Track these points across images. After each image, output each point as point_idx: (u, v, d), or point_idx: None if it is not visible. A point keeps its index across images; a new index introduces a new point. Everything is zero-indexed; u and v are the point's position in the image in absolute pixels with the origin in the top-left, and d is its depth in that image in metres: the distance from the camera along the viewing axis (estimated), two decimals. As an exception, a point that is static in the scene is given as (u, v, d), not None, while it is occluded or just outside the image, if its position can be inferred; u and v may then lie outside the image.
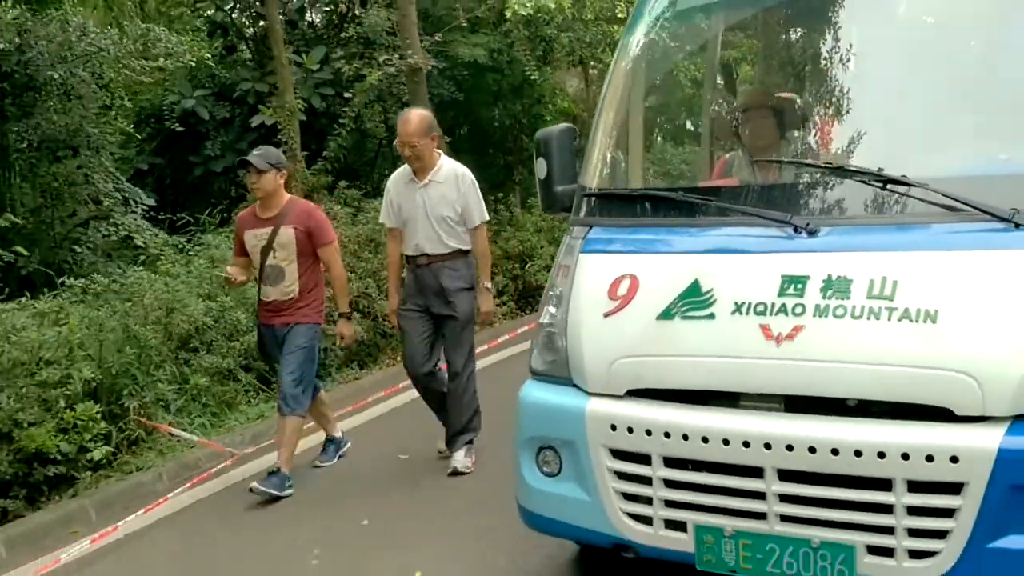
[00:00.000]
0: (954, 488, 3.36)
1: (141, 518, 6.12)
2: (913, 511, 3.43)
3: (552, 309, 4.35)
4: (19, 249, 9.45)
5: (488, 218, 6.79)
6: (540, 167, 4.69)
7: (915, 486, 3.41)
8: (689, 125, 4.95)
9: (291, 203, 6.69)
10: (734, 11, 4.63)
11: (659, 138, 4.77)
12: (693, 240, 4.12)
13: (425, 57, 13.43)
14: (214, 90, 15.13)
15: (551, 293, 4.41)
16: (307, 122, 13.36)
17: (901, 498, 3.42)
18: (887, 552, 3.47)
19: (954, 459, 3.34)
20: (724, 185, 4.46)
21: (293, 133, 12.52)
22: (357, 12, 15.92)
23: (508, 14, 13.82)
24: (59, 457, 6.69)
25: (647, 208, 4.41)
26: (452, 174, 6.47)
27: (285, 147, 11.90)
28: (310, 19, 17.09)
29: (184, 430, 7.56)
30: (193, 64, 13.22)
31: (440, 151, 6.63)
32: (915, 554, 3.44)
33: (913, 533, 3.44)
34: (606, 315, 4.08)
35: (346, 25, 16.24)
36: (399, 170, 6.75)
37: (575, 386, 4.14)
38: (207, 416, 8.14)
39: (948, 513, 3.38)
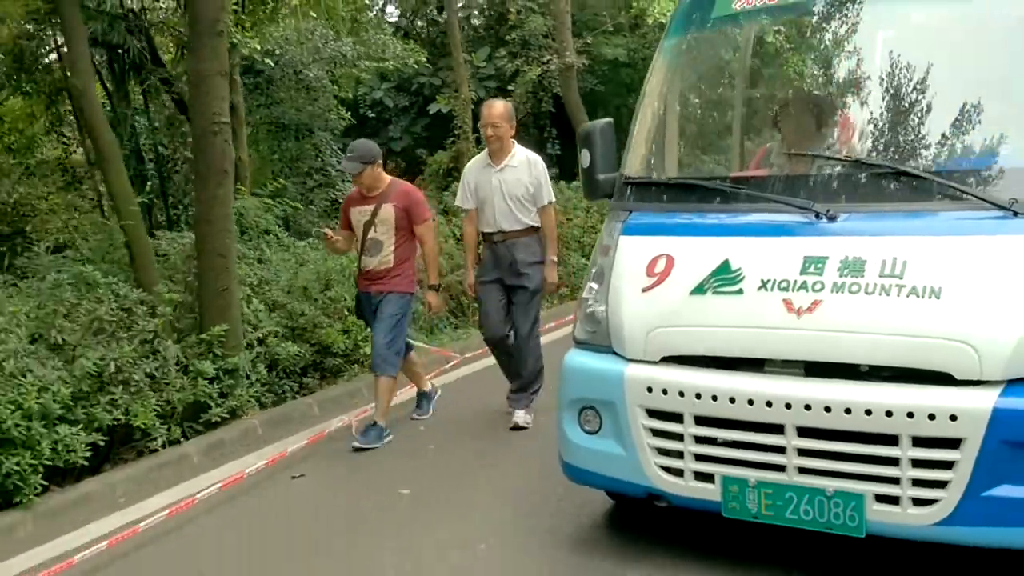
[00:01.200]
0: (953, 443, 3.80)
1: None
2: (917, 463, 3.86)
3: (594, 284, 4.80)
4: (296, 204, 12.54)
5: (555, 199, 7.44)
6: (584, 157, 5.10)
7: (919, 441, 3.84)
8: (723, 120, 5.34)
9: (392, 184, 7.35)
10: (767, 18, 5.05)
11: (695, 131, 5.18)
12: (724, 224, 4.57)
13: (576, 56, 16.93)
14: (396, 83, 19.32)
15: (593, 270, 4.86)
16: (474, 110, 15.43)
17: (906, 452, 3.86)
18: (893, 500, 3.91)
19: (953, 417, 3.78)
20: (753, 175, 4.88)
21: (466, 119, 15.34)
22: (515, 17, 19.29)
23: (649, 20, 16.52)
24: (340, 351, 9.02)
25: (682, 195, 4.84)
26: (525, 159, 7.13)
27: (459, 130, 15.51)
28: (473, 23, 21.22)
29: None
30: (414, 66, 17.13)
31: (514, 139, 7.27)
32: (918, 502, 3.87)
33: (916, 483, 3.87)
34: (644, 290, 4.52)
35: (503, 28, 19.73)
36: (475, 158, 7.54)
37: (615, 353, 4.58)
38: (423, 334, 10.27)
39: (948, 465, 3.81)
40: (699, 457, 4.28)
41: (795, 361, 4.13)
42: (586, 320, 4.79)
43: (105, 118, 9.20)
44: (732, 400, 4.15)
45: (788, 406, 4.03)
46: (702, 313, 4.34)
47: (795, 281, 4.15)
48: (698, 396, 4.23)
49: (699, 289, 4.37)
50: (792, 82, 5.07)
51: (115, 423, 6.61)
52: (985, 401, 3.77)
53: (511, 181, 7.07)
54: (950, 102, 4.39)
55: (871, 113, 4.60)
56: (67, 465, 6.14)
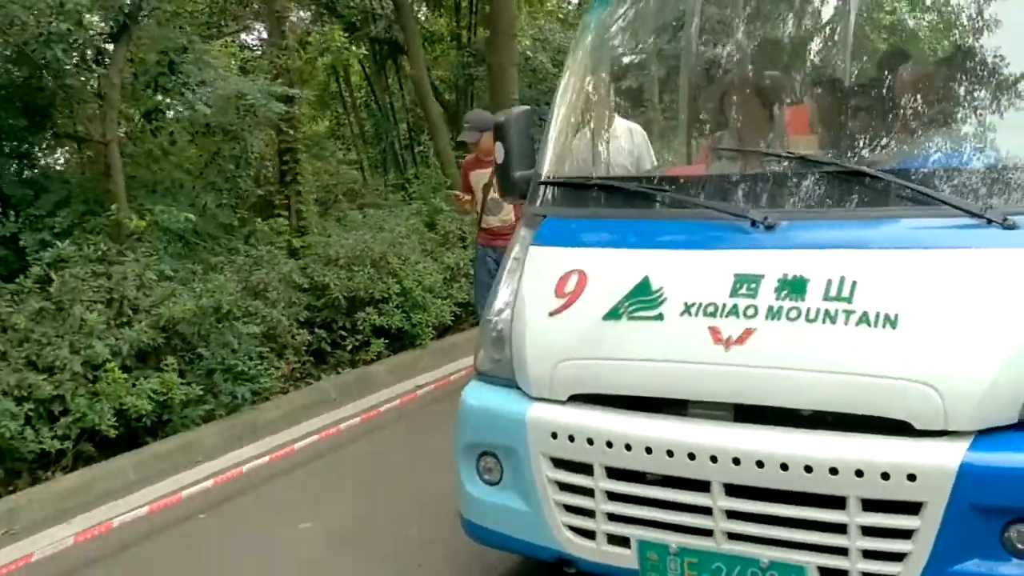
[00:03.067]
0: (912, 508, 3.11)
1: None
2: (868, 531, 3.18)
3: (499, 304, 4.11)
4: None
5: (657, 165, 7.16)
6: (498, 151, 4.45)
7: (870, 505, 3.16)
8: (660, 108, 4.66)
9: None
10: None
11: (613, 121, 4.52)
12: (645, 234, 3.88)
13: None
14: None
15: (499, 287, 4.16)
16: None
17: (855, 517, 3.17)
18: (840, 574, 3.23)
19: (912, 477, 3.08)
20: (683, 175, 4.19)
21: None
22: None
23: None
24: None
25: (599, 198, 4.17)
26: (627, 129, 6.73)
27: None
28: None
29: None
30: None
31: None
32: (870, 577, 3.18)
33: (868, 555, 3.19)
34: (551, 314, 3.84)
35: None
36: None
37: (519, 389, 3.89)
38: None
39: (906, 534, 3.13)
40: (613, 517, 3.58)
41: (723, 403, 3.44)
42: (489, 347, 4.09)
43: (434, 99, 14.81)
44: (648, 450, 3.44)
45: (714, 459, 3.33)
46: (615, 343, 3.64)
47: (723, 305, 3.45)
48: (609, 444, 3.52)
49: (613, 314, 3.67)
50: (723, 63, 4.35)
51: (464, 301, 10.29)
52: (950, 456, 3.07)
53: (613, 150, 6.66)
54: (917, 89, 3.72)
55: (823, 101, 3.92)
56: (440, 324, 10.17)
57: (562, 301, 3.82)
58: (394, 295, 9.65)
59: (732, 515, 3.34)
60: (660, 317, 3.56)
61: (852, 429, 3.22)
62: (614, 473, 3.55)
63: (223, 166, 10.54)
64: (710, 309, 3.47)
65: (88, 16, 8.16)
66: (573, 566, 3.76)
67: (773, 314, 3.37)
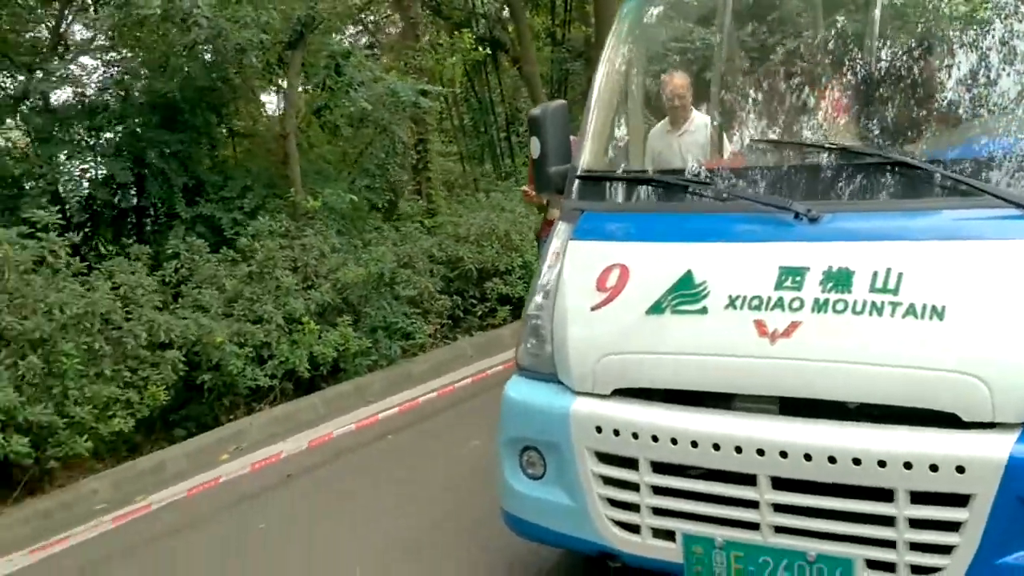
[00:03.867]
0: (960, 500, 3.11)
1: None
2: (916, 524, 3.18)
3: (539, 299, 4.10)
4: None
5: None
6: (534, 146, 4.44)
7: (918, 497, 3.16)
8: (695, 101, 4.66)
9: None
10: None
11: (660, 115, 4.50)
12: (687, 227, 3.86)
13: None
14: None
15: (539, 281, 4.16)
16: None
17: (903, 510, 3.17)
18: (888, 567, 3.23)
19: (960, 469, 3.08)
20: (724, 167, 4.17)
21: None
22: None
23: None
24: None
25: (639, 192, 4.16)
26: (703, 124, 6.76)
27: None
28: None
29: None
30: None
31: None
32: (918, 570, 3.20)
33: (916, 547, 3.19)
34: (593, 308, 3.83)
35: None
36: (656, 126, 7.15)
37: (561, 384, 3.89)
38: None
39: (953, 527, 3.13)
40: (657, 511, 3.58)
41: (769, 396, 3.43)
42: (530, 342, 4.09)
43: (542, 92, 16.03)
44: (694, 444, 3.44)
45: (761, 452, 3.33)
46: (659, 337, 3.63)
47: (769, 298, 3.45)
48: (655, 439, 3.52)
49: (656, 308, 3.66)
50: (764, 56, 4.34)
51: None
52: (999, 449, 3.07)
53: (689, 143, 6.64)
54: (960, 77, 3.71)
55: (864, 91, 3.90)
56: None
57: (604, 295, 3.82)
58: (516, 267, 11.20)
59: (779, 508, 3.35)
60: (704, 311, 3.56)
61: (899, 422, 3.22)
62: (659, 467, 3.56)
63: (375, 154, 12.17)
64: (755, 302, 3.46)
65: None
66: (617, 560, 3.76)
67: (819, 307, 3.36)
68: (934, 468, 3.10)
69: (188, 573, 5.26)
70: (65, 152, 9.81)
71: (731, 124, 4.48)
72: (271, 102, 12.80)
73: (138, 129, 10.10)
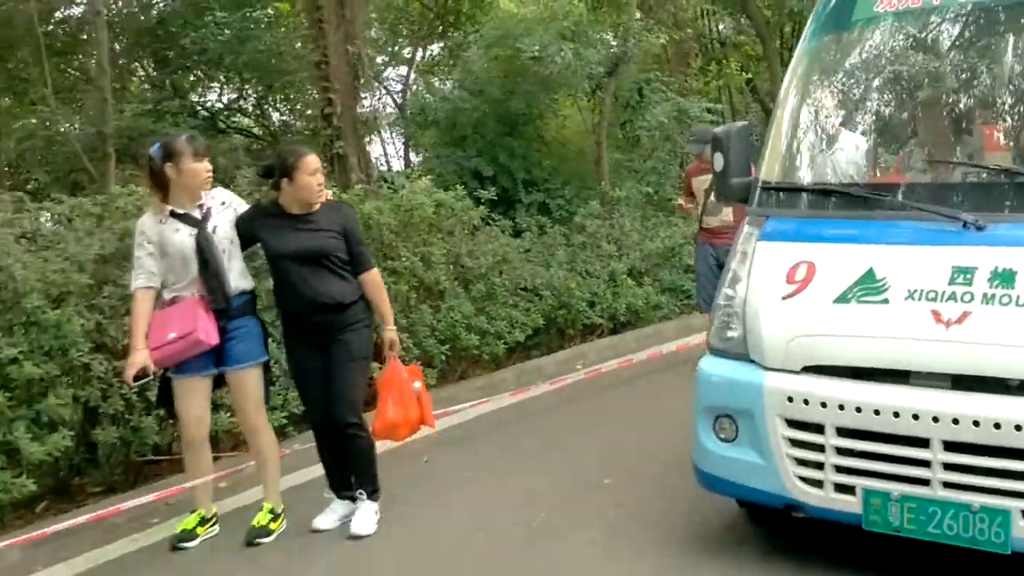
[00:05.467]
0: None
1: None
2: (1067, 481, 3.78)
3: (730, 291, 4.75)
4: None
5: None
6: (718, 161, 5.07)
7: (1071, 459, 3.76)
8: (863, 124, 5.23)
9: None
10: (907, 22, 4.95)
11: (834, 135, 5.07)
12: (867, 232, 4.48)
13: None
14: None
15: (729, 276, 4.81)
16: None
17: (1056, 469, 3.78)
18: (1042, 518, 3.83)
19: None
20: (897, 181, 4.80)
21: None
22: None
23: None
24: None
25: (822, 201, 4.78)
26: (852, 144, 6.81)
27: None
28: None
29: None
30: None
31: None
32: (1067, 520, 3.79)
33: None
34: (784, 298, 4.48)
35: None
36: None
37: (752, 361, 4.54)
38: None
39: (1099, 483, 3.73)
40: (840, 469, 4.23)
41: (942, 374, 4.06)
42: (722, 327, 4.75)
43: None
44: (877, 412, 4.09)
45: (935, 419, 3.97)
46: (846, 322, 4.28)
47: (943, 292, 4.08)
48: (841, 407, 4.18)
49: (843, 298, 4.31)
50: (933, 85, 4.96)
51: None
52: None
53: (840, 159, 6.91)
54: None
55: (1019, 120, 4.50)
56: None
57: (794, 287, 4.47)
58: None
59: (948, 467, 3.97)
60: (886, 301, 4.20)
61: None
62: (843, 432, 4.20)
63: (661, 156, 15.60)
64: (931, 295, 4.10)
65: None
66: (800, 511, 4.41)
67: (987, 300, 3.99)
68: (1085, 433, 3.73)
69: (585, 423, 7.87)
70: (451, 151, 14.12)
71: (900, 142, 5.09)
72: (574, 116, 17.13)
73: (492, 137, 14.05)
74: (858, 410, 4.14)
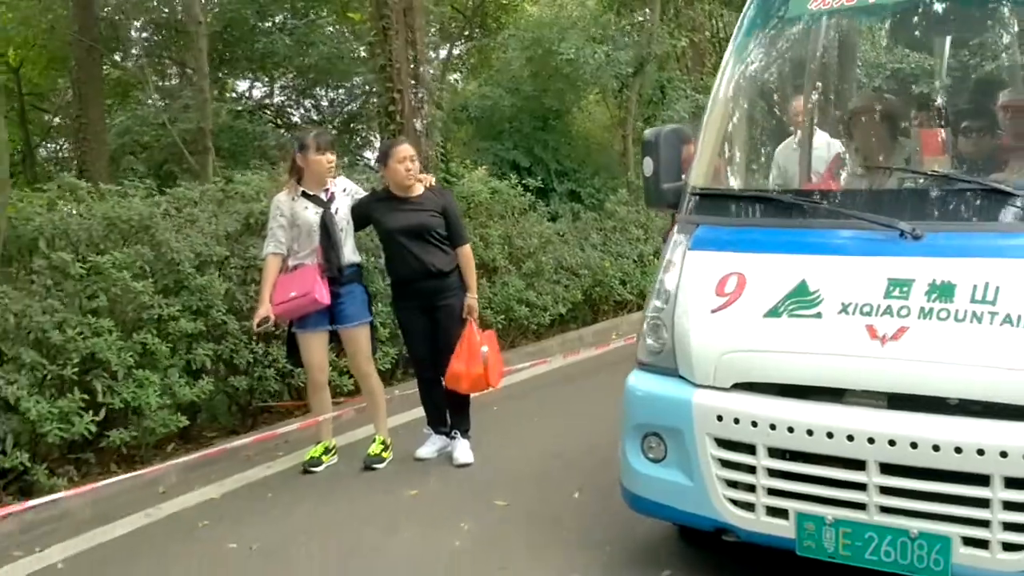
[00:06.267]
0: None
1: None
2: (1009, 506, 3.58)
3: (658, 303, 4.53)
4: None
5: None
6: (647, 165, 4.86)
7: (1011, 482, 3.57)
8: (794, 128, 5.06)
9: None
10: (843, 20, 4.76)
11: (767, 139, 4.90)
12: (800, 241, 4.29)
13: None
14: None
15: (657, 287, 4.60)
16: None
17: (997, 493, 3.58)
18: (982, 544, 3.63)
19: None
20: (832, 188, 4.61)
21: None
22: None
23: None
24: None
25: (754, 208, 4.58)
26: (825, 142, 6.83)
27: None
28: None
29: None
30: None
31: None
32: (1009, 547, 3.60)
33: (1008, 527, 3.59)
34: (713, 311, 4.27)
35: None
36: (785, 141, 7.25)
37: (681, 378, 4.33)
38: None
39: (1043, 509, 3.54)
40: (772, 491, 4.02)
41: (878, 392, 3.86)
42: (650, 341, 4.53)
43: None
44: (810, 432, 3.89)
45: (871, 441, 3.76)
46: (778, 338, 4.08)
47: (879, 305, 3.89)
48: (772, 427, 3.97)
49: (774, 312, 4.11)
50: (869, 88, 4.77)
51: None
52: None
53: (815, 159, 6.87)
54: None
55: (958, 124, 4.33)
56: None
57: (723, 300, 4.26)
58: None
59: (885, 490, 3.77)
60: (819, 315, 3.99)
61: (995, 416, 3.64)
62: (775, 452, 3.99)
63: None
64: (866, 309, 3.90)
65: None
66: (731, 535, 4.19)
67: (925, 314, 3.80)
68: (1027, 456, 3.53)
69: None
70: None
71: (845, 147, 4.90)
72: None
73: (528, 131, 15.47)
74: (790, 430, 3.93)
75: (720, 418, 4.10)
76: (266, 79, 19.45)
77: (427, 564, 5.16)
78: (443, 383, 6.80)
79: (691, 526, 4.45)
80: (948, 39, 4.49)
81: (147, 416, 6.83)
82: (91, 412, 6.46)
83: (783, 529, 4.00)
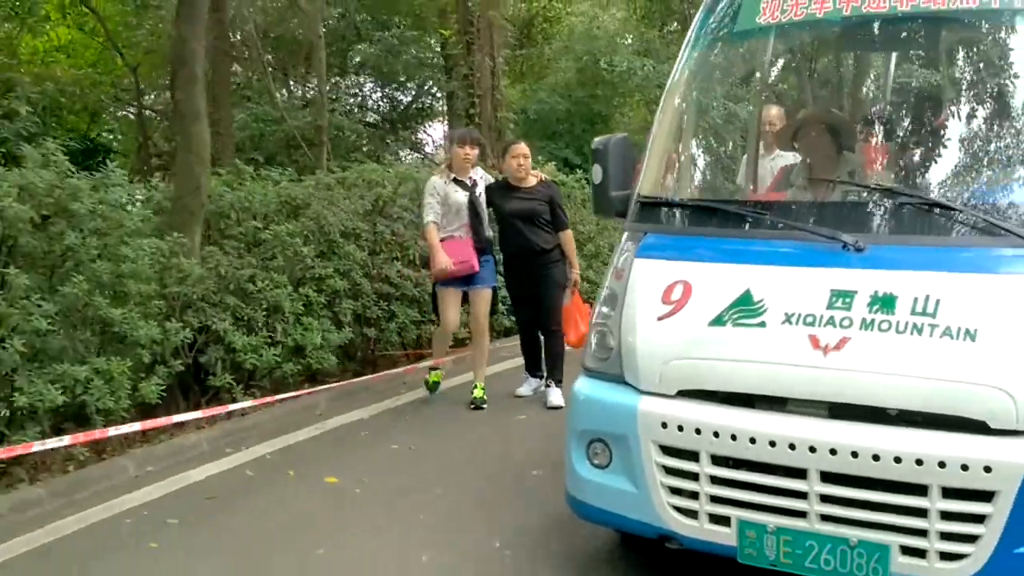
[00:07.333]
0: (986, 496, 3.58)
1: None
2: (946, 516, 3.64)
3: (605, 309, 4.57)
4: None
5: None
6: (596, 173, 4.88)
7: (949, 492, 3.62)
8: (742, 138, 5.11)
9: None
10: (791, 35, 4.81)
11: (715, 149, 4.95)
12: (745, 251, 4.33)
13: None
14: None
15: (605, 294, 4.62)
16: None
17: (936, 503, 3.63)
18: (920, 553, 3.68)
19: (987, 469, 3.55)
20: (777, 200, 4.66)
21: None
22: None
23: None
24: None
25: (701, 217, 4.62)
26: (791, 157, 6.99)
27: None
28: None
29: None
30: None
31: None
32: (946, 556, 3.65)
33: (945, 536, 3.65)
34: (659, 319, 4.30)
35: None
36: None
37: (627, 384, 4.35)
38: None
39: (979, 519, 3.59)
40: (715, 499, 4.05)
41: (820, 402, 3.91)
42: (597, 347, 4.56)
43: None
44: (752, 441, 3.92)
45: (812, 449, 3.81)
46: (722, 346, 4.11)
47: (821, 316, 3.93)
48: (716, 435, 4.00)
49: (719, 320, 4.14)
50: (814, 101, 4.83)
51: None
52: (1022, 452, 3.55)
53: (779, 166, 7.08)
54: (989, 130, 4.18)
55: (902, 139, 4.40)
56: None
57: (669, 308, 4.29)
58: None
59: (825, 499, 3.81)
60: (763, 325, 4.03)
61: (935, 427, 3.69)
62: (718, 460, 4.02)
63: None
64: (809, 319, 3.95)
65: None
66: (674, 542, 4.22)
67: (866, 325, 3.85)
68: (964, 468, 3.58)
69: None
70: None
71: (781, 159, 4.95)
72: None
73: (578, 132, 17.60)
74: (733, 438, 3.96)
75: (664, 425, 4.13)
76: (350, 82, 22.31)
77: (542, 451, 6.84)
78: (539, 337, 8.65)
79: (635, 533, 4.45)
80: (894, 55, 4.54)
81: (308, 355, 8.76)
82: (271, 348, 8.36)
83: (725, 536, 4.03)
